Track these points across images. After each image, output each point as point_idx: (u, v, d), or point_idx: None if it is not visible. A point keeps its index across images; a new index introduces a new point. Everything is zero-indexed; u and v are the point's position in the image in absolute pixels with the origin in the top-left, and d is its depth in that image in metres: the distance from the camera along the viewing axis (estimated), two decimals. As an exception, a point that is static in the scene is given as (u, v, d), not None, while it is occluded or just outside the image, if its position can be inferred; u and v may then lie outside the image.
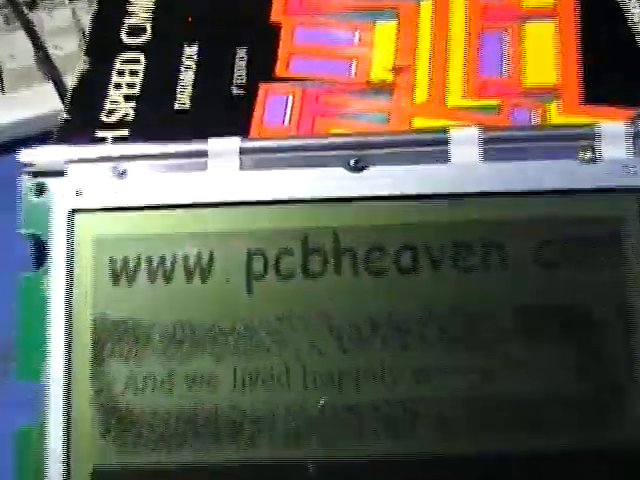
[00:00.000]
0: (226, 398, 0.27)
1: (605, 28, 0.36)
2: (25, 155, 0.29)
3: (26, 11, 0.41)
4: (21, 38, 0.40)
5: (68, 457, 0.27)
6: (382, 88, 0.34)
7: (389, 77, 0.35)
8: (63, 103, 0.36)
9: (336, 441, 0.27)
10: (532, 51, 0.36)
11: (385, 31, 0.36)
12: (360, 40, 0.36)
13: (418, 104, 0.34)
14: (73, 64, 0.36)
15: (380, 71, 0.35)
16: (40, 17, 0.41)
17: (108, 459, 0.27)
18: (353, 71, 0.35)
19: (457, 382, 0.27)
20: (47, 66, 0.40)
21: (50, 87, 0.39)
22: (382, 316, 0.28)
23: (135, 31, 0.37)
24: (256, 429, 0.27)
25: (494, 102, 0.34)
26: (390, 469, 0.27)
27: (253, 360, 0.27)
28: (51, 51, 0.40)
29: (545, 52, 0.35)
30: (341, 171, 0.28)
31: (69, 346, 0.28)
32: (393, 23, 0.36)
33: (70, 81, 0.35)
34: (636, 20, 0.36)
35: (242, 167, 0.29)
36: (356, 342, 0.27)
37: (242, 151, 0.29)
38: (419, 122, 0.33)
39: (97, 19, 0.37)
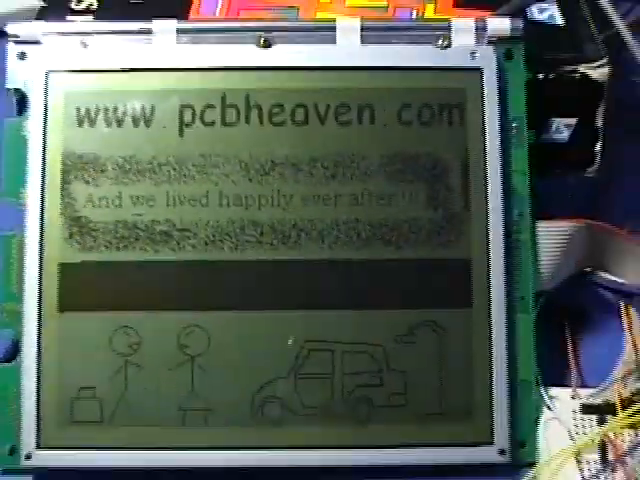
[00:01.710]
0: (161, 213, 0.36)
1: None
2: (11, 28, 0.37)
3: None
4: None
5: (41, 257, 0.36)
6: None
7: (303, -19, 0.43)
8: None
9: (242, 247, 0.36)
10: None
11: None
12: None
13: (322, 2, 0.42)
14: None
15: (296, -27, 0.44)
16: None
17: (70, 257, 0.36)
18: (274, -24, 0.44)
19: (332, 206, 0.36)
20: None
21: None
22: (280, 156, 0.37)
23: None
24: (183, 236, 0.36)
25: (384, 2, 0.43)
26: (281, 268, 0.36)
27: (182, 185, 0.37)
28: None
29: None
30: (253, 47, 0.37)
31: (43, 173, 0.36)
32: None
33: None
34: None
35: (178, 42, 0.38)
36: (259, 175, 0.37)
37: (178, 30, 0.38)
38: (321, 15, 0.41)
39: None
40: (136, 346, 0.36)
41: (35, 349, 0.36)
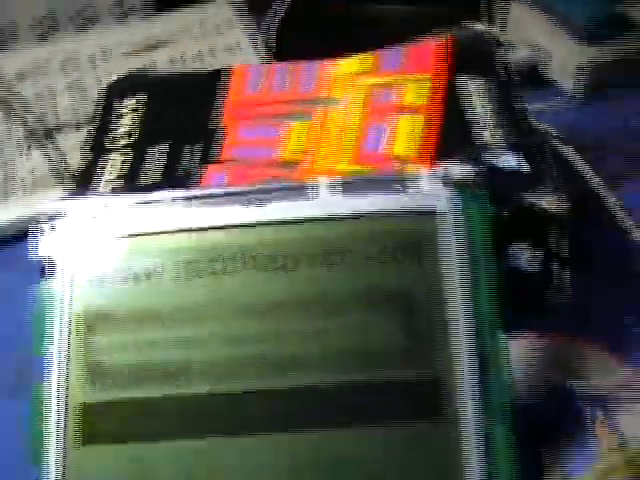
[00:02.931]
0: (171, 355, 0.41)
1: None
2: (43, 206, 0.44)
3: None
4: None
5: (66, 399, 0.41)
6: (291, 163, 0.49)
7: (298, 157, 0.50)
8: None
9: (234, 379, 0.41)
10: (402, 134, 0.51)
11: (299, 126, 0.52)
12: (281, 133, 0.51)
13: (315, 171, 0.49)
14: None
15: (292, 152, 0.50)
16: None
17: (90, 397, 0.41)
18: (274, 154, 0.50)
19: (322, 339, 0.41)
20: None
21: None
22: (275, 299, 0.42)
23: (117, 139, 0.53)
24: (180, 374, 0.41)
25: (369, 168, 0.48)
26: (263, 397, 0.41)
27: (189, 329, 0.42)
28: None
29: (412, 135, 0.50)
30: (247, 208, 0.43)
31: (68, 328, 0.42)
32: (307, 121, 0.52)
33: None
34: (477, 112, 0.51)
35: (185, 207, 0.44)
36: (256, 316, 0.42)
37: (186, 198, 0.44)
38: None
39: (90, 132, 0.53)
40: (153, 474, 0.40)
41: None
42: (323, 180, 0.43)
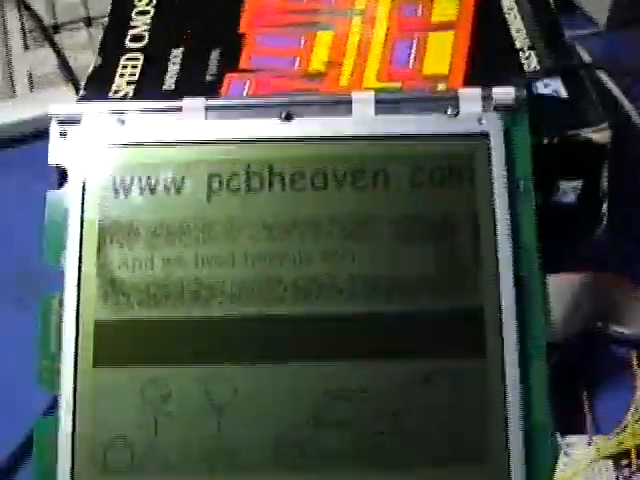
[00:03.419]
0: (190, 272, 0.39)
1: (491, 36, 0.48)
2: (53, 108, 0.41)
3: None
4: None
5: (77, 316, 0.39)
6: (316, 76, 0.47)
7: (322, 68, 0.47)
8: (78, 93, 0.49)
9: (266, 302, 0.39)
10: (432, 52, 0.48)
11: (323, 37, 0.49)
12: (305, 43, 0.48)
13: (341, 86, 0.46)
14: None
15: (316, 64, 0.47)
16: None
17: (105, 315, 0.39)
18: (297, 64, 0.47)
19: (350, 262, 0.39)
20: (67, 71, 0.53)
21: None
22: (301, 218, 0.39)
23: (136, 39, 0.49)
24: (210, 294, 0.39)
25: (398, 84, 0.46)
26: (303, 322, 0.38)
27: (210, 247, 0.39)
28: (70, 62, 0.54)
29: (442, 53, 0.48)
30: (275, 120, 0.41)
31: (81, 238, 0.39)
32: (330, 32, 0.49)
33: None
34: (512, 32, 0.49)
35: (206, 117, 0.41)
36: (282, 234, 0.39)
37: (206, 107, 0.41)
38: (339, 95, 0.45)
39: (108, 29, 0.50)
40: (167, 397, 0.37)
41: (71, 402, 0.38)
42: (357, 95, 0.41)
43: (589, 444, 0.38)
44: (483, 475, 0.37)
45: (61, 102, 0.42)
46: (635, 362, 0.39)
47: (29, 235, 0.41)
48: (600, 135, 0.41)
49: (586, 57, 0.53)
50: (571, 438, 0.38)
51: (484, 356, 0.38)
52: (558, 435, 0.38)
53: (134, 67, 0.47)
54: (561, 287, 0.39)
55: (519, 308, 0.38)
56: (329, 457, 0.37)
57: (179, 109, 0.41)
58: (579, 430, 0.39)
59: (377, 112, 0.41)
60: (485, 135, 0.40)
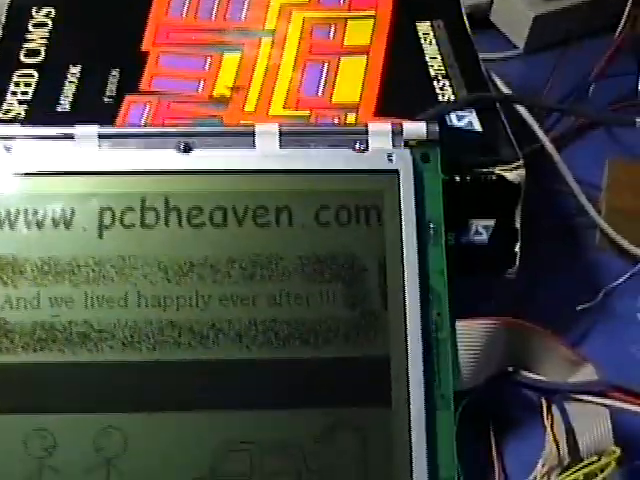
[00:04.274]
0: (79, 314, 0.36)
1: (404, 64, 0.46)
2: None
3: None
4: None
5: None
6: (220, 101, 0.44)
7: (227, 93, 0.45)
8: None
9: (160, 348, 0.36)
10: (343, 78, 0.46)
11: (230, 59, 0.46)
12: (210, 66, 0.46)
13: (246, 112, 0.44)
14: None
15: (221, 88, 0.45)
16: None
17: (-14, 360, 0.36)
18: (200, 88, 0.45)
19: (251, 306, 0.37)
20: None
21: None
22: (198, 258, 0.37)
23: (31, 53, 0.46)
24: (101, 337, 0.36)
25: (306, 112, 0.44)
26: (199, 369, 0.36)
27: (100, 286, 0.37)
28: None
29: (354, 80, 0.46)
30: (173, 152, 0.38)
31: (-39, 275, 0.37)
32: (237, 54, 0.47)
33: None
34: (427, 59, 0.47)
35: (100, 147, 0.38)
36: (178, 276, 0.37)
37: (100, 135, 0.38)
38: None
39: (1, 40, 0.47)
40: (52, 449, 0.35)
41: (-54, 453, 0.35)
42: (261, 128, 0.39)
43: (497, 498, 0.37)
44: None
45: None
46: (545, 411, 0.38)
47: None
48: (514, 174, 0.40)
49: (502, 86, 0.51)
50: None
51: (390, 406, 0.36)
52: (465, 488, 0.36)
53: (27, 85, 0.45)
54: (471, 332, 0.38)
55: (427, 356, 0.36)
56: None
57: (71, 137, 0.38)
58: (487, 483, 0.38)
59: (282, 145, 0.38)
60: (395, 172, 0.38)
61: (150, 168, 0.38)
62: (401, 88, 0.45)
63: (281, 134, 0.39)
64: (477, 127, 0.43)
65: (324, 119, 0.43)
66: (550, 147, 0.46)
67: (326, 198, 0.38)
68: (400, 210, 0.38)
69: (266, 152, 0.38)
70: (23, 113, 0.43)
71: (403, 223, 0.37)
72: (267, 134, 0.39)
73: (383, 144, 0.39)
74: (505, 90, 0.51)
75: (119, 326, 0.36)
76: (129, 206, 0.37)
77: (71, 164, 0.38)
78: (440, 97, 0.44)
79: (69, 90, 0.45)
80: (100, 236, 0.37)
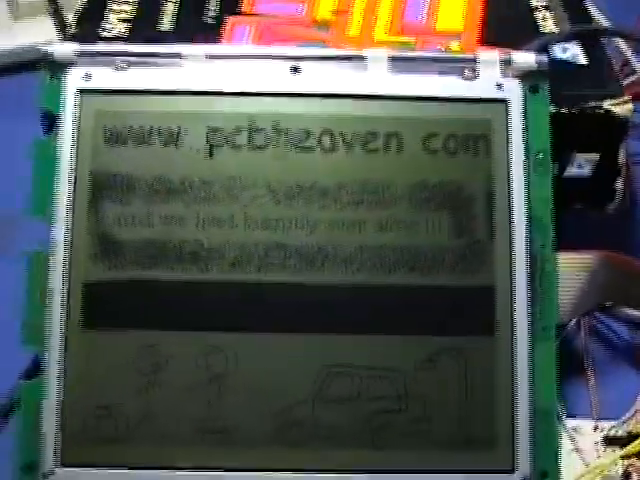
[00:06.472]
0: (189, 233, 0.37)
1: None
2: (45, 48, 0.38)
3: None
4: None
5: (68, 275, 0.36)
6: (324, 25, 0.44)
7: (330, 17, 0.44)
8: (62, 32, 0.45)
9: (267, 269, 0.37)
10: (445, 5, 0.45)
11: (331, -17, 0.46)
12: (311, -11, 0.46)
13: (350, 37, 0.43)
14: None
15: (324, 12, 0.45)
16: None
17: (97, 275, 0.36)
18: (303, 11, 0.45)
19: (358, 232, 0.37)
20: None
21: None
22: (307, 182, 0.37)
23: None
24: (210, 256, 0.36)
25: (411, 39, 0.43)
26: (305, 292, 0.36)
27: (210, 207, 0.37)
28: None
29: (455, 7, 0.45)
30: (283, 73, 0.38)
31: (72, 191, 0.37)
32: (339, -23, 0.46)
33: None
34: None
35: (208, 66, 0.38)
36: (286, 198, 0.37)
37: (208, 55, 0.38)
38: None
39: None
40: (160, 365, 0.35)
41: (59, 366, 0.35)
42: (371, 52, 0.38)
43: (595, 429, 0.37)
44: (490, 457, 0.35)
45: (48, 36, 0.39)
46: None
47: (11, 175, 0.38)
48: (622, 108, 0.39)
49: (603, 21, 0.51)
50: (577, 422, 0.37)
51: (493, 335, 0.36)
52: (564, 419, 0.36)
53: (126, 2, 0.44)
54: (571, 265, 0.38)
55: (531, 287, 0.36)
56: (329, 435, 0.35)
57: (178, 55, 0.38)
58: (584, 414, 0.38)
59: (391, 71, 0.38)
60: (504, 102, 0.38)
61: (259, 90, 0.37)
62: (502, 18, 0.44)
63: (391, 60, 0.38)
64: (582, 60, 0.42)
65: (428, 46, 0.43)
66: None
67: (435, 125, 0.37)
68: (508, 140, 0.37)
69: (376, 77, 0.38)
70: (124, 31, 0.43)
71: (511, 153, 0.37)
72: (377, 59, 0.38)
73: (492, 73, 0.38)
74: (605, 24, 0.50)
75: (227, 246, 0.36)
76: (238, 126, 0.37)
77: (180, 83, 0.38)
78: (541, 28, 0.44)
79: (169, 10, 0.44)
80: (210, 156, 0.37)
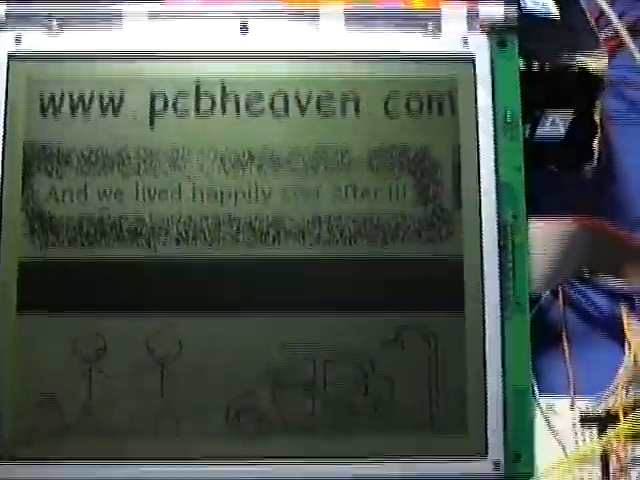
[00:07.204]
0: (129, 208, 0.34)
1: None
2: (-29, 9, 0.35)
3: None
4: None
5: (1, 255, 0.34)
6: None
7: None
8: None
9: (217, 244, 0.34)
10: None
11: None
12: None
13: (305, -8, 0.40)
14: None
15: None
16: None
17: (32, 254, 0.34)
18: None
19: (314, 201, 0.34)
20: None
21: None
22: (258, 148, 0.34)
23: None
24: (153, 232, 0.34)
25: (371, -6, 0.40)
26: (259, 267, 0.34)
27: (152, 178, 0.34)
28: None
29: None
30: (231, 32, 0.35)
31: (2, 165, 0.34)
32: None
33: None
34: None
35: (150, 27, 0.35)
36: (235, 168, 0.34)
37: (151, 14, 0.35)
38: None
39: None
40: (101, 351, 0.33)
41: (-7, 351, 0.33)
42: (325, 8, 0.35)
43: (572, 407, 0.35)
44: (460, 441, 0.33)
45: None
46: (625, 317, 0.35)
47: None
48: (597, 63, 0.37)
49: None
50: (552, 400, 0.35)
51: (462, 310, 0.33)
52: (538, 397, 0.34)
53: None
54: (545, 233, 0.35)
55: (502, 259, 0.34)
56: (289, 421, 0.33)
57: (118, 15, 0.35)
58: (560, 392, 0.35)
59: (348, 28, 0.35)
60: (470, 58, 0.35)
61: (205, 49, 0.35)
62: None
63: (347, 15, 0.35)
64: (554, 12, 0.39)
65: (390, 1, 0.40)
66: (625, 34, 0.42)
67: (396, 85, 0.35)
68: (476, 99, 0.35)
69: (331, 34, 0.35)
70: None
71: (479, 113, 0.34)
72: (332, 15, 0.35)
73: (457, 28, 0.35)
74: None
75: (172, 221, 0.33)
76: (182, 91, 0.34)
77: (118, 45, 0.35)
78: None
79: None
80: (151, 124, 0.34)
